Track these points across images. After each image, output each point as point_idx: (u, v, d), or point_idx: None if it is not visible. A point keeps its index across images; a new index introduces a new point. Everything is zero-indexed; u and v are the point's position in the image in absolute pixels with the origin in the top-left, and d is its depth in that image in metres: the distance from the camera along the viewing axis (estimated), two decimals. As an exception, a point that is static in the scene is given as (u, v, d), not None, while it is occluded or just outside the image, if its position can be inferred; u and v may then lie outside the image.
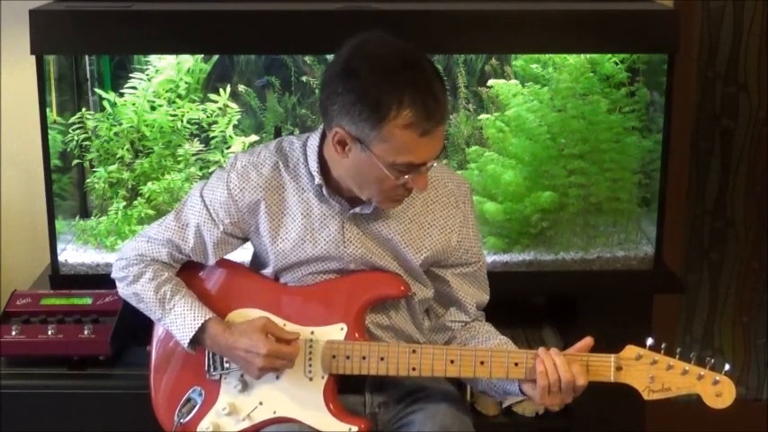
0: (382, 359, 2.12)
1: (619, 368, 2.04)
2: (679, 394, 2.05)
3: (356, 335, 2.16)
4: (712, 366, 2.03)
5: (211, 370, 2.24)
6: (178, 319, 2.17)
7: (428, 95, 1.95)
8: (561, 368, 2.03)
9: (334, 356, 2.15)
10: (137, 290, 2.22)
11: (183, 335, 2.17)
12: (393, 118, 1.94)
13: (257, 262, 2.29)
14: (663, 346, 2.04)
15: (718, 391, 2.02)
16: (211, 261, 2.25)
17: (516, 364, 2.08)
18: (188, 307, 2.18)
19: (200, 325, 2.16)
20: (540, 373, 2.04)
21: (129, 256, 2.24)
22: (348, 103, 1.97)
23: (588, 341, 2.08)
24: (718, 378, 2.02)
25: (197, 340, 2.17)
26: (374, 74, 1.95)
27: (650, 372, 2.03)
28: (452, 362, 2.10)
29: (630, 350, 2.05)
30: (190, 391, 2.25)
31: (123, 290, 2.27)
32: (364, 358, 2.13)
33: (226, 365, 2.22)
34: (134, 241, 2.27)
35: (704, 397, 2.03)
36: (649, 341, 2.04)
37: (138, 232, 2.33)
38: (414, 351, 2.12)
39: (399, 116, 1.94)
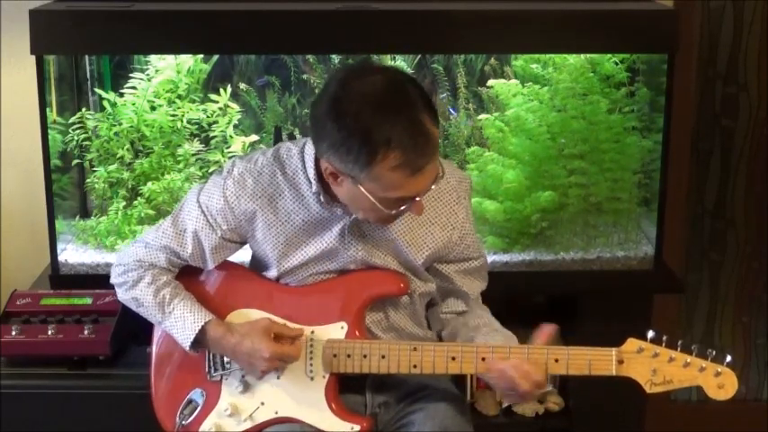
0: (383, 357, 2.12)
1: (620, 362, 2.05)
2: (681, 387, 2.05)
3: (357, 333, 2.16)
4: (714, 358, 2.03)
5: (212, 371, 2.24)
6: (178, 322, 2.17)
7: (417, 133, 1.92)
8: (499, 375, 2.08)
9: (335, 355, 2.15)
10: (136, 294, 2.22)
11: (184, 337, 2.17)
12: (381, 160, 1.92)
13: (256, 263, 2.29)
14: (664, 338, 2.04)
15: (720, 382, 2.02)
16: (210, 266, 2.25)
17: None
18: (188, 309, 2.18)
19: (200, 327, 2.16)
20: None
21: (127, 262, 2.24)
22: (336, 143, 1.94)
23: (547, 331, 2.10)
24: (719, 370, 2.02)
25: (198, 342, 2.17)
26: (360, 114, 1.92)
27: (652, 364, 2.04)
28: (453, 359, 2.11)
29: (632, 343, 2.05)
30: (191, 392, 2.25)
31: (122, 295, 2.27)
32: (365, 356, 2.13)
33: (227, 366, 2.22)
34: (131, 247, 2.27)
35: (706, 389, 2.03)
36: (650, 334, 2.05)
37: (135, 237, 2.33)
38: (414, 349, 2.13)
39: (388, 158, 1.92)
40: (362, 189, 1.98)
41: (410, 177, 1.95)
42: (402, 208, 2.02)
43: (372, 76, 1.97)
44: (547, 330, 2.12)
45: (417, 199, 2.01)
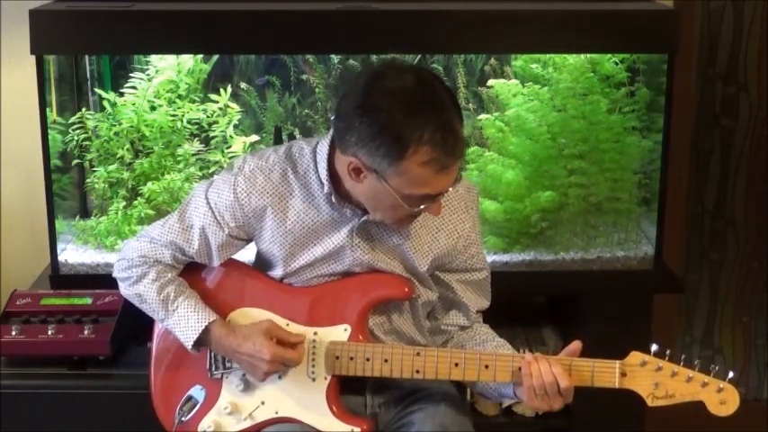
0: (386, 361, 2.12)
1: (623, 374, 2.05)
2: (683, 401, 2.05)
3: (360, 336, 2.16)
4: (716, 374, 2.03)
5: (213, 369, 2.23)
6: (182, 321, 2.17)
7: (448, 132, 1.94)
8: (543, 371, 2.05)
9: (337, 357, 2.15)
10: (139, 290, 2.21)
11: (187, 337, 2.17)
12: (411, 155, 1.93)
13: (261, 262, 2.28)
14: (667, 352, 2.04)
15: (722, 398, 2.02)
16: (215, 263, 2.24)
17: (520, 369, 2.08)
18: (192, 309, 2.17)
19: (203, 327, 2.15)
20: (525, 376, 2.07)
21: (131, 257, 2.23)
22: (366, 137, 1.95)
23: (576, 345, 2.09)
24: (722, 386, 2.02)
25: (200, 342, 2.17)
26: (394, 110, 1.93)
27: (655, 378, 2.04)
28: (456, 365, 2.10)
29: (635, 356, 2.05)
30: (191, 389, 2.25)
31: (126, 290, 2.26)
32: (368, 360, 2.13)
33: (228, 365, 2.22)
34: (136, 241, 2.26)
35: (708, 405, 2.03)
36: (654, 347, 2.04)
37: (140, 231, 2.31)
38: (418, 354, 2.12)
39: (418, 153, 1.93)
40: (387, 185, 1.99)
41: (437, 174, 1.97)
42: (422, 207, 2.03)
43: (403, 74, 1.99)
44: (573, 347, 2.10)
45: (437, 198, 2.03)
